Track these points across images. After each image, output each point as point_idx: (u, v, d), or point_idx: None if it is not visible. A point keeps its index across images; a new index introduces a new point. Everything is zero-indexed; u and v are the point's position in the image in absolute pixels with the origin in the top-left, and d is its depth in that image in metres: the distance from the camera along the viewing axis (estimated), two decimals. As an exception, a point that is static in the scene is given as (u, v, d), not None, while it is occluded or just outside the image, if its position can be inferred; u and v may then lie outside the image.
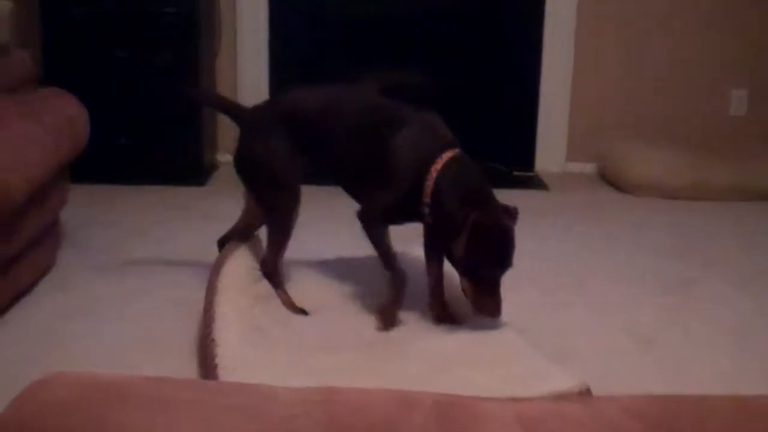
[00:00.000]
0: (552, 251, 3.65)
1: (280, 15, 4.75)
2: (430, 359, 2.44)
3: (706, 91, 4.96)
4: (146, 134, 4.45)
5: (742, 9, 4.87)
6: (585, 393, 2.29)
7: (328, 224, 3.67)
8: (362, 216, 2.67)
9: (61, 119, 3.16)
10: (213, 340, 2.39)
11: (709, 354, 2.76)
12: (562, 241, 3.79)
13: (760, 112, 4.98)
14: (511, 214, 2.58)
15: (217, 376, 2.29)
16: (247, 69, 4.80)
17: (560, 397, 2.18)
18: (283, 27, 4.77)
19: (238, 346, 2.42)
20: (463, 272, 2.56)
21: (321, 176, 2.78)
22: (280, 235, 2.79)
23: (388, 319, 2.65)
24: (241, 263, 2.79)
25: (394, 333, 2.64)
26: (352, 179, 2.77)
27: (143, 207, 4.08)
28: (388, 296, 2.67)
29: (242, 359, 2.36)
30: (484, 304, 2.54)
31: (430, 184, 2.55)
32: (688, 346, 2.81)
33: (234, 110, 3.01)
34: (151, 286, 3.12)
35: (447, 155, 2.57)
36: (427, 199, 2.57)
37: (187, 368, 2.52)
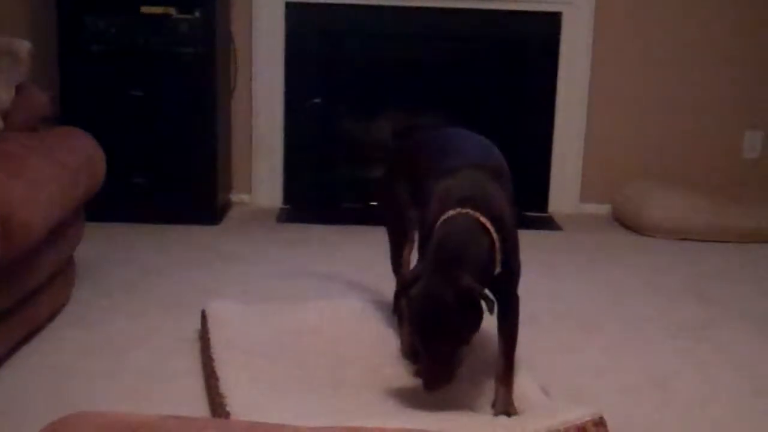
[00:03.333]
0: (566, 292, 3.64)
1: (296, 54, 4.78)
2: (443, 398, 2.41)
3: (720, 133, 4.97)
4: (161, 173, 4.46)
5: (756, 51, 4.88)
6: (599, 423, 2.28)
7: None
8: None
9: (78, 158, 3.18)
10: (220, 390, 2.41)
11: (725, 397, 2.74)
12: (576, 282, 3.77)
13: (775, 154, 4.98)
14: (464, 291, 2.23)
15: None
16: (262, 108, 4.82)
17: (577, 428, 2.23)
18: (298, 67, 4.80)
19: (247, 388, 2.42)
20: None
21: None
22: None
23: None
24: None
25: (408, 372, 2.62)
26: None
27: (157, 246, 4.09)
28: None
29: (253, 403, 2.36)
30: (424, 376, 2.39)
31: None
32: (705, 389, 2.79)
33: None
34: (166, 324, 3.12)
35: (453, 212, 2.35)
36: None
37: (204, 406, 2.51)
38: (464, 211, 2.32)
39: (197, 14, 4.32)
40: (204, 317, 2.91)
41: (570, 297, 3.58)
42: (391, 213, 2.86)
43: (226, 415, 2.32)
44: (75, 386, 2.64)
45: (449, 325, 2.24)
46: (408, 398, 2.48)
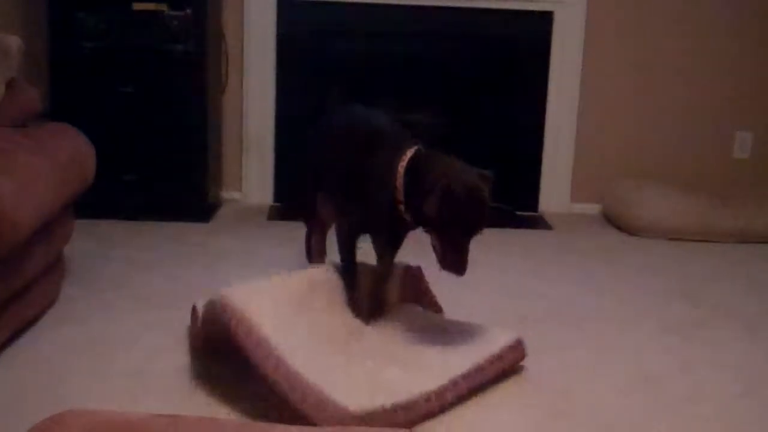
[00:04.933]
0: (556, 291, 3.65)
1: (288, 52, 4.78)
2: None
3: (711, 133, 4.98)
4: (151, 170, 4.46)
5: (747, 51, 4.90)
6: (516, 347, 2.75)
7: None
8: (339, 229, 2.92)
9: (68, 155, 3.17)
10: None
11: (714, 396, 2.75)
12: (566, 282, 3.78)
13: (765, 155, 4.99)
14: (485, 178, 2.63)
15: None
16: (253, 105, 4.81)
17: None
18: (290, 64, 4.80)
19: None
20: (433, 230, 2.62)
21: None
22: None
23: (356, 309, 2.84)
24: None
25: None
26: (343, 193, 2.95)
27: (147, 243, 4.08)
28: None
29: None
30: (450, 261, 2.59)
31: (399, 180, 2.66)
32: (694, 389, 2.79)
33: None
34: (156, 322, 3.11)
35: (410, 152, 2.68)
36: (401, 197, 2.67)
37: (194, 404, 2.51)
38: (421, 148, 2.70)
39: (189, 11, 4.31)
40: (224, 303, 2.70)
41: (560, 296, 3.59)
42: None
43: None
44: (65, 384, 2.63)
45: (487, 214, 2.57)
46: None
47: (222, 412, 2.48)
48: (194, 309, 2.90)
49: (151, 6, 4.30)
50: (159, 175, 4.46)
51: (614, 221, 4.75)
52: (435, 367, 2.62)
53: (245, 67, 4.78)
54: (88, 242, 3.88)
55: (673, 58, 4.90)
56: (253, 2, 4.71)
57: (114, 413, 1.10)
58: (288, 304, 2.69)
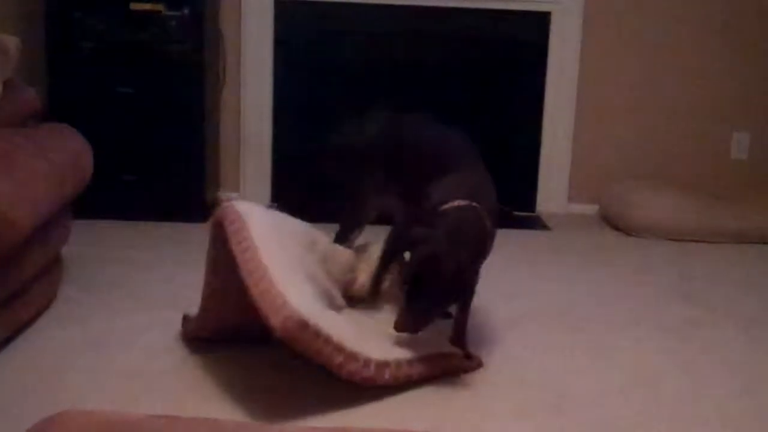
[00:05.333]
0: (553, 292, 3.65)
1: (285, 52, 4.78)
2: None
3: (708, 134, 4.99)
4: (149, 171, 4.46)
5: (744, 53, 4.90)
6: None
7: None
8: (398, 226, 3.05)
9: (66, 155, 3.17)
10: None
11: (713, 397, 2.75)
12: (563, 282, 3.78)
13: (762, 155, 4.99)
14: (462, 266, 2.61)
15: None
16: (251, 106, 4.81)
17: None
18: (287, 65, 4.80)
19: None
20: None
21: None
22: None
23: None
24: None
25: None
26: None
27: (145, 243, 4.08)
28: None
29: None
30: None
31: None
32: (692, 389, 2.79)
33: None
34: (154, 322, 3.10)
35: (461, 202, 2.75)
36: None
37: (192, 405, 2.51)
38: (472, 204, 2.74)
39: (186, 11, 4.32)
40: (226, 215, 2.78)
41: (557, 296, 3.58)
42: (355, 201, 3.23)
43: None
44: (63, 384, 2.63)
45: (439, 287, 2.59)
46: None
47: (220, 412, 2.48)
48: (185, 318, 2.96)
49: (148, 6, 4.31)
50: (157, 175, 4.46)
51: (612, 222, 4.76)
52: (386, 345, 2.70)
53: (243, 67, 4.78)
54: (86, 242, 3.88)
55: (671, 59, 4.90)
56: (251, 2, 4.72)
57: (111, 413, 1.10)
58: (290, 236, 2.81)
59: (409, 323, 2.64)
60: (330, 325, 2.53)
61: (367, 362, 2.56)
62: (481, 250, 2.74)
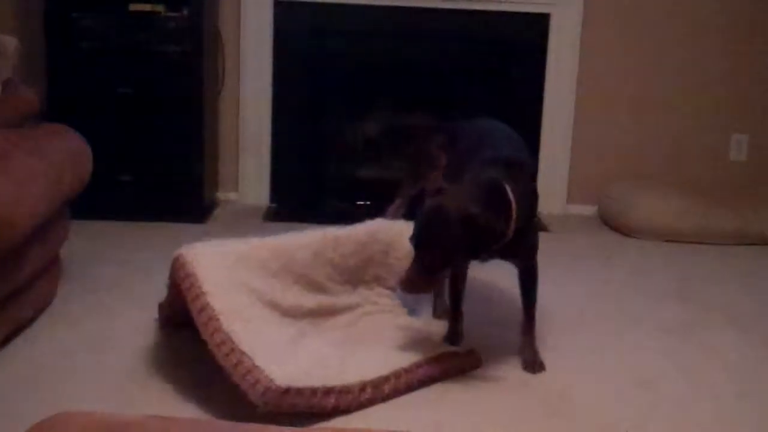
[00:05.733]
0: (552, 293, 3.63)
1: (284, 53, 4.78)
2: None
3: (707, 136, 4.98)
4: (148, 171, 4.45)
5: (743, 54, 4.90)
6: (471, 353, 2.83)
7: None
8: None
9: (64, 155, 3.17)
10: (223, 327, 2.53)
11: (710, 398, 2.75)
12: (562, 283, 3.78)
13: (761, 157, 4.99)
14: (470, 216, 2.56)
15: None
16: (250, 106, 4.81)
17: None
18: (286, 65, 4.79)
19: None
20: None
21: None
22: None
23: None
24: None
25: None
26: None
27: (144, 243, 4.08)
28: None
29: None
30: None
31: None
32: (690, 390, 2.80)
33: None
34: (152, 323, 3.10)
35: (486, 173, 2.72)
36: None
37: (191, 405, 2.51)
38: (494, 176, 2.66)
39: (185, 12, 4.31)
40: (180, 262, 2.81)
41: (555, 298, 3.58)
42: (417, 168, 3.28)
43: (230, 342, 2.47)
44: (60, 385, 2.63)
45: (445, 239, 2.53)
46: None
47: (218, 413, 2.48)
48: (160, 306, 3.02)
49: (147, 7, 4.30)
50: (155, 175, 4.45)
51: (610, 223, 4.75)
52: (379, 358, 2.70)
53: (242, 68, 4.78)
54: (85, 243, 3.88)
55: (670, 61, 4.90)
56: (250, 2, 4.71)
57: (108, 415, 1.10)
58: (246, 269, 2.78)
59: (413, 281, 2.60)
60: (308, 367, 2.52)
61: (362, 387, 2.55)
62: (498, 217, 2.59)
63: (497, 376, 2.80)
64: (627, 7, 4.86)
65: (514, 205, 2.61)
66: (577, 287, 3.75)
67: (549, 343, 3.09)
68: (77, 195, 3.28)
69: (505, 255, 2.79)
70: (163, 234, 4.23)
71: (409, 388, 2.66)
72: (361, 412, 2.52)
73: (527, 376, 2.82)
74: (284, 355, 2.56)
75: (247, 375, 2.41)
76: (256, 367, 2.42)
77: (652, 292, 3.72)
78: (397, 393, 2.62)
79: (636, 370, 2.94)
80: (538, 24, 4.82)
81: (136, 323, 3.11)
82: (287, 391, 2.39)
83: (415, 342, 2.86)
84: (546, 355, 2.95)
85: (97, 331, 3.05)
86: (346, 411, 2.49)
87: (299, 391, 2.42)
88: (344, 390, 2.51)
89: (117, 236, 4.17)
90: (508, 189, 2.63)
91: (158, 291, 3.42)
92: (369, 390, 2.56)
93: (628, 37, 4.88)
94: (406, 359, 2.71)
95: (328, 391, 2.47)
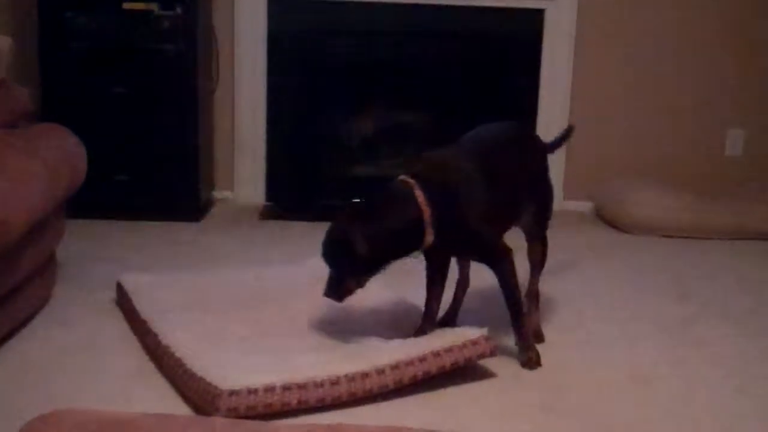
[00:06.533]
0: (548, 289, 3.64)
1: (279, 51, 4.77)
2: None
3: (703, 131, 4.99)
4: (143, 170, 4.45)
5: (739, 49, 4.90)
6: (477, 342, 2.72)
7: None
8: None
9: (59, 155, 3.16)
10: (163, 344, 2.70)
11: (707, 394, 2.75)
12: (558, 280, 3.77)
13: (756, 152, 5.00)
14: (341, 236, 2.73)
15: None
16: (245, 105, 4.81)
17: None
18: (281, 64, 4.78)
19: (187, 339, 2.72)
20: None
21: None
22: None
23: None
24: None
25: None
26: None
27: (140, 242, 4.07)
28: None
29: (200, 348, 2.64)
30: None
31: None
32: (686, 386, 2.80)
33: None
34: (147, 323, 3.10)
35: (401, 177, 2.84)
36: None
37: (189, 404, 2.50)
38: (406, 179, 2.76)
39: (179, 11, 4.31)
40: (120, 288, 3.19)
41: (551, 294, 3.58)
42: None
43: (177, 360, 2.57)
44: (57, 385, 2.63)
45: (331, 259, 2.74)
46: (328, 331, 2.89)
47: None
48: (119, 285, 3.21)
49: (141, 5, 4.30)
50: (150, 174, 4.45)
51: (606, 219, 4.76)
52: (356, 354, 2.66)
53: (236, 67, 4.78)
54: (80, 242, 3.87)
55: (665, 56, 4.90)
56: (244, 1, 4.71)
57: (103, 412, 1.09)
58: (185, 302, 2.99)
59: (330, 291, 2.76)
60: (258, 364, 2.51)
61: (334, 381, 2.48)
62: (397, 226, 2.71)
63: (492, 373, 2.79)
64: (621, 3, 4.86)
65: (427, 213, 2.70)
66: (572, 283, 3.75)
67: (545, 339, 3.09)
68: (72, 194, 3.28)
69: (459, 255, 3.07)
70: (158, 233, 4.22)
71: (414, 381, 2.60)
72: (356, 408, 2.51)
73: (523, 373, 2.81)
74: (228, 356, 2.57)
75: (204, 392, 2.41)
76: (213, 386, 2.39)
77: (649, 288, 3.72)
78: (397, 384, 2.57)
79: (632, 365, 2.94)
80: (533, 20, 4.82)
81: (132, 322, 3.11)
82: (236, 392, 2.36)
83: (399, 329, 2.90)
84: (542, 351, 2.95)
85: (94, 330, 3.04)
86: (320, 407, 2.45)
87: (252, 391, 2.37)
88: (312, 384, 2.44)
89: (112, 236, 4.16)
90: (420, 195, 2.71)
91: (154, 290, 3.42)
92: (344, 383, 2.49)
93: (623, 32, 4.88)
94: (409, 353, 2.64)
95: (287, 386, 2.41)
